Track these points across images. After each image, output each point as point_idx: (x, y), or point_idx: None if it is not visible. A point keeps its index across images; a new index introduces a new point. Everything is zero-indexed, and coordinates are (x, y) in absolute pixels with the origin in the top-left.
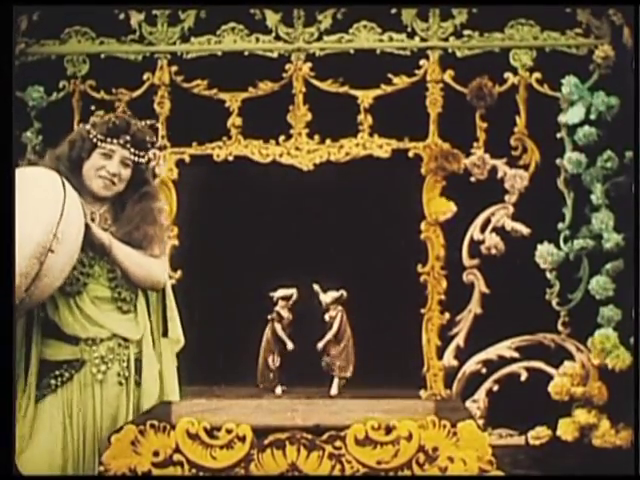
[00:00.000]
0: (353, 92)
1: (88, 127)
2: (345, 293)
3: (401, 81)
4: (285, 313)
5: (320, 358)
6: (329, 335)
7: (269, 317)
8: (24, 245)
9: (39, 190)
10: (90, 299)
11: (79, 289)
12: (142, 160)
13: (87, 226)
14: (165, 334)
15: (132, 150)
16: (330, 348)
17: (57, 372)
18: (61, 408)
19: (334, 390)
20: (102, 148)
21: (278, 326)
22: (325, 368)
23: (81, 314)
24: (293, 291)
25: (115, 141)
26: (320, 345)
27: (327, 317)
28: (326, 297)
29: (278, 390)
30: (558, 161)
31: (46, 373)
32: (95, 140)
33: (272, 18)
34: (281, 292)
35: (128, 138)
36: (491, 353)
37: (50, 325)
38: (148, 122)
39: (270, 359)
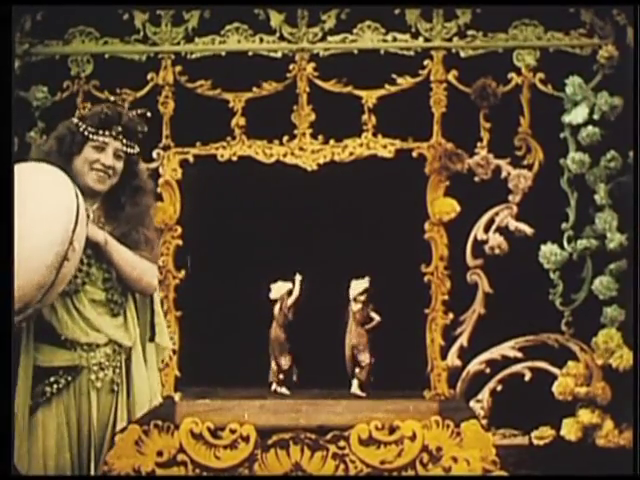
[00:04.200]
0: (357, 92)
1: (76, 120)
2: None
3: (405, 81)
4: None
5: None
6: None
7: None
8: (43, 255)
9: (53, 194)
10: (88, 301)
11: (77, 288)
12: (133, 151)
13: None
14: (152, 339)
15: (124, 141)
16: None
17: (52, 379)
18: (55, 417)
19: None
20: (94, 141)
21: (280, 323)
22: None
23: (80, 317)
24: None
25: (107, 133)
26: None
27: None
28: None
29: (284, 390)
30: (562, 161)
31: (39, 380)
32: (87, 133)
33: (276, 18)
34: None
35: (120, 129)
36: (495, 353)
37: (44, 330)
38: (139, 111)
39: (280, 359)
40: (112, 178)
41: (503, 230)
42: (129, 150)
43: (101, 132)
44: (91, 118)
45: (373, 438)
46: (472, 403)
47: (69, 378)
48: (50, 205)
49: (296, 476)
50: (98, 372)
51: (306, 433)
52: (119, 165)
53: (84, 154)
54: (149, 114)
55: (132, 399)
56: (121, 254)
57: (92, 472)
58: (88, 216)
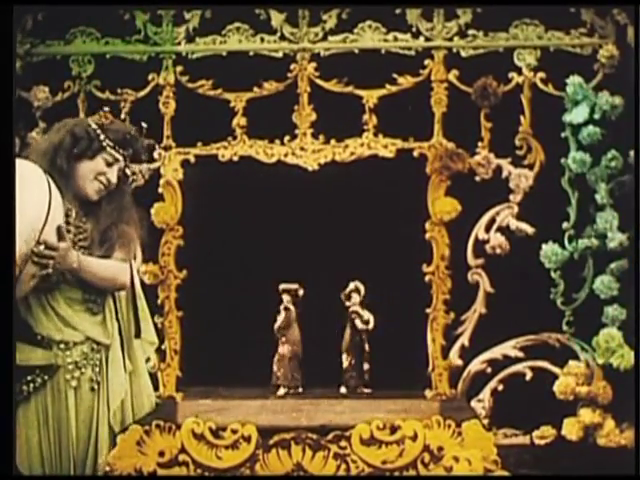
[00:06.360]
0: (358, 92)
1: (95, 127)
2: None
3: (406, 81)
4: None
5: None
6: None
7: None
8: None
9: (24, 192)
10: (63, 299)
11: (52, 287)
12: (130, 175)
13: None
14: (137, 335)
15: (129, 165)
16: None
17: (29, 378)
18: (35, 415)
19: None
20: (108, 155)
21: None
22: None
23: (54, 314)
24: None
25: (122, 152)
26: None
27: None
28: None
29: (281, 391)
30: (562, 160)
31: (17, 379)
32: (105, 145)
33: (277, 18)
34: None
35: (131, 152)
36: (496, 352)
37: (21, 329)
38: (151, 142)
39: (286, 359)
40: (105, 191)
41: (504, 230)
42: (128, 173)
43: (117, 149)
44: (114, 133)
45: (374, 438)
46: (473, 403)
47: (45, 377)
48: (19, 202)
49: (297, 476)
50: (74, 371)
51: (307, 433)
52: (115, 182)
53: (94, 162)
54: (158, 149)
55: (109, 396)
56: (93, 271)
57: (73, 472)
58: (68, 215)
